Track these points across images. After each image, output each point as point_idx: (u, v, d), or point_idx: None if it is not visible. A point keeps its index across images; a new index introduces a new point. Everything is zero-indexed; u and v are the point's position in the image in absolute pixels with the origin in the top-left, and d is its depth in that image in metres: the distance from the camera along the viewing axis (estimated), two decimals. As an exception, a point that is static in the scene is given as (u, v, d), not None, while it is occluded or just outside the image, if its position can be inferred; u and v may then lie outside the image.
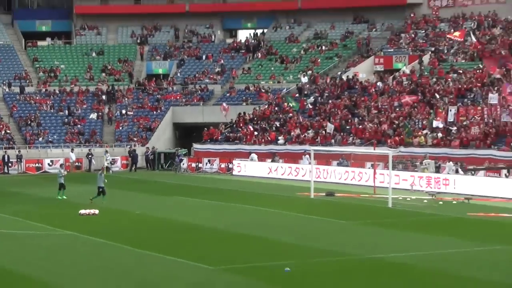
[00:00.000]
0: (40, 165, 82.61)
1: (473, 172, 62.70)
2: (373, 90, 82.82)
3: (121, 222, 48.35)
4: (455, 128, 69.17)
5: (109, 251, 39.12)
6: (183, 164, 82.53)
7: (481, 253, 38.70)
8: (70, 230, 44.64)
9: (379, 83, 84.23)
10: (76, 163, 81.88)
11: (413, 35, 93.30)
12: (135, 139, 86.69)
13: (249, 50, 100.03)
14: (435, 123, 70.71)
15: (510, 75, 73.68)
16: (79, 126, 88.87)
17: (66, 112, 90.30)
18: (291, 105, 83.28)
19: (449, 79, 79.04)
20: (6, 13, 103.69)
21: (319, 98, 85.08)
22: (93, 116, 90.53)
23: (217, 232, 44.56)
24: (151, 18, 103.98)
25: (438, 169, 64.62)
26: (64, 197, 58.34)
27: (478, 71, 78.24)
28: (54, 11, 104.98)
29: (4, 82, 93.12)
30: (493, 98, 69.24)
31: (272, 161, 75.26)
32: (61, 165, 69.39)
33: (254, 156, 77.00)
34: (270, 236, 42.93)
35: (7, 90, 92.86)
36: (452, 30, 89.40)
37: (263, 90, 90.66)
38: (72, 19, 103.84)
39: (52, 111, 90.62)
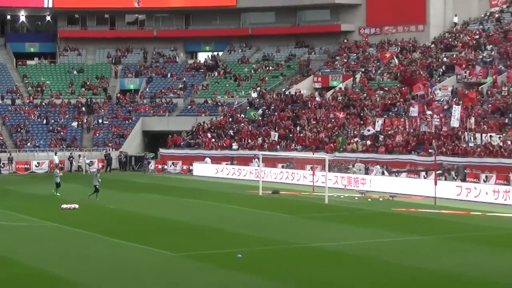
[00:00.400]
0: (28, 166, 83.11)
1: (396, 174, 63.59)
2: (312, 104, 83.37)
3: (98, 215, 48.70)
4: (381, 136, 69.87)
5: (86, 240, 39.48)
6: (151, 166, 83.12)
7: (404, 242, 39.44)
8: (53, 222, 45.05)
9: (317, 98, 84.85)
10: (59, 165, 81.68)
11: (346, 58, 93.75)
12: (109, 144, 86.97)
13: (208, 69, 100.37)
14: (366, 132, 71.41)
15: (427, 93, 74.50)
16: (62, 133, 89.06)
17: (44, 121, 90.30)
18: (252, 116, 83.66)
19: (377, 95, 79.80)
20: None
21: (267, 110, 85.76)
22: (74, 124, 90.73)
23: (180, 224, 45.02)
24: (124, 42, 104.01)
25: (367, 171, 65.34)
26: (58, 194, 58.31)
27: (402, 88, 78.90)
28: (41, 35, 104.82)
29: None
30: (413, 111, 70.11)
31: (231, 164, 75.56)
32: (57, 167, 70.59)
33: (208, 159, 78.20)
34: (225, 227, 43.49)
35: (0, 102, 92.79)
36: (381, 54, 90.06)
37: (220, 104, 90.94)
38: (57, 42, 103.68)
39: (39, 120, 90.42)
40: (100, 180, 56.91)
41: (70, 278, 29.80)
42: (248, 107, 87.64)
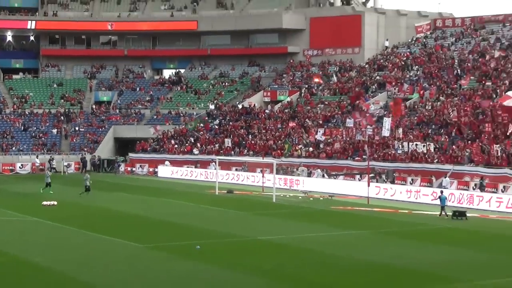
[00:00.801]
0: (13, 168, 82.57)
1: (335, 177, 63.74)
2: (263, 115, 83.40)
3: (74, 211, 48.60)
4: (322, 144, 69.99)
5: (63, 232, 39.70)
6: (121, 168, 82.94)
7: (340, 236, 39.72)
8: (35, 217, 45.07)
9: (267, 110, 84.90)
10: (40, 167, 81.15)
11: (291, 76, 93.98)
12: (85, 149, 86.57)
13: (172, 84, 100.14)
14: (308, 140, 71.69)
15: (361, 107, 74.78)
16: (43, 139, 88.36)
17: (22, 127, 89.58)
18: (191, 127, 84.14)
19: (318, 108, 79.93)
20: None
21: (223, 120, 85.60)
22: (54, 131, 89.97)
23: (146, 219, 45.02)
24: (98, 60, 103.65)
25: (309, 174, 65.54)
26: (51, 192, 57.95)
27: (340, 102, 79.20)
28: (25, 52, 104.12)
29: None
30: (349, 122, 70.37)
31: (195, 167, 75.51)
32: (48, 169, 72.25)
33: (167, 162, 78.57)
34: (185, 222, 43.76)
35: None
36: (322, 72, 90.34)
37: (181, 114, 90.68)
38: (39, 59, 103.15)
39: (22, 127, 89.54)
40: (90, 181, 57.28)
41: (48, 265, 29.97)
42: (206, 117, 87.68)
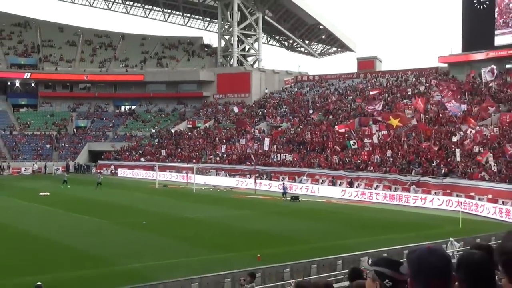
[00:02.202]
0: (19, 171, 79.32)
1: (234, 176, 63.79)
2: (187, 136, 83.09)
3: (61, 199, 47.71)
4: (225, 155, 70.07)
5: (53, 213, 39.20)
6: (93, 170, 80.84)
7: (238, 214, 39.64)
8: (33, 203, 44.31)
9: (189, 133, 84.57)
10: (38, 170, 78.91)
11: (205, 111, 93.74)
12: (68, 158, 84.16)
13: (127, 116, 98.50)
14: (219, 152, 71.54)
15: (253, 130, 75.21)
16: (40, 151, 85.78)
17: (26, 143, 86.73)
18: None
19: (223, 132, 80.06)
20: (2, 94, 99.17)
21: (161, 139, 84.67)
22: (48, 146, 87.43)
23: (110, 204, 44.38)
24: (78, 99, 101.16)
25: (218, 174, 65.43)
26: (68, 186, 57.57)
27: (237, 128, 79.47)
28: (29, 94, 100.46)
29: (1, 129, 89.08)
30: (242, 141, 70.69)
31: (153, 170, 74.23)
32: (63, 171, 72.12)
33: (112, 166, 77.86)
34: (135, 205, 43.27)
35: (3, 132, 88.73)
36: (225, 109, 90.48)
37: (133, 135, 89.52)
38: (38, 98, 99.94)
39: (26, 144, 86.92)
40: (101, 177, 58.77)
41: (40, 234, 29.96)
42: (150, 138, 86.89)
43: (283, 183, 53.05)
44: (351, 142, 57.99)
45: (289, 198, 48.44)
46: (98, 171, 75.17)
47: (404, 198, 45.73)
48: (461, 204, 39.57)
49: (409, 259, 3.15)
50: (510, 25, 68.46)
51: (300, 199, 48.05)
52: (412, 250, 3.19)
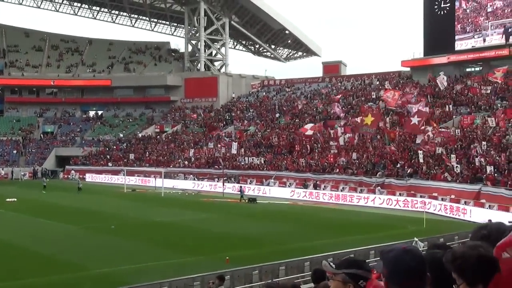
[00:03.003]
0: (-14, 177, 78.18)
1: (202, 179, 63.61)
2: (155, 140, 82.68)
3: (28, 204, 47.06)
4: (193, 159, 69.88)
5: (21, 219, 38.40)
6: (60, 175, 79.85)
7: (205, 217, 39.52)
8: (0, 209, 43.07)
9: (158, 137, 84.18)
10: (5, 176, 77.67)
11: (173, 116, 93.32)
12: (36, 163, 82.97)
13: (94, 121, 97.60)
14: (188, 155, 71.31)
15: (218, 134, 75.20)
16: (6, 157, 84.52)
17: None
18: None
19: (191, 136, 79.83)
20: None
21: (129, 143, 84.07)
22: (14, 152, 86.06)
23: (78, 209, 43.78)
24: (45, 104, 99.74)
25: (186, 178, 65.19)
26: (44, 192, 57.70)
27: (204, 133, 79.29)
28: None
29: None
30: (210, 145, 70.62)
31: (123, 175, 73.56)
32: (74, 176, 71.71)
33: (73, 172, 77.00)
34: (104, 210, 42.79)
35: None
36: (193, 113, 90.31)
37: (101, 140, 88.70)
38: (4, 104, 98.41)
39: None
40: (81, 183, 59.75)
41: (7, 240, 29.42)
42: (118, 142, 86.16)
43: (240, 186, 53.95)
44: (315, 145, 58.65)
45: (246, 200, 48.92)
46: (78, 176, 74.21)
47: (369, 199, 46.17)
48: (425, 204, 40.12)
49: (385, 260, 3.12)
50: (468, 30, 69.76)
51: (257, 201, 48.56)
52: (387, 250, 3.16)
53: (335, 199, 48.33)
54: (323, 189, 51.85)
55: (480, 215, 34.31)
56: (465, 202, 39.91)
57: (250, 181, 59.79)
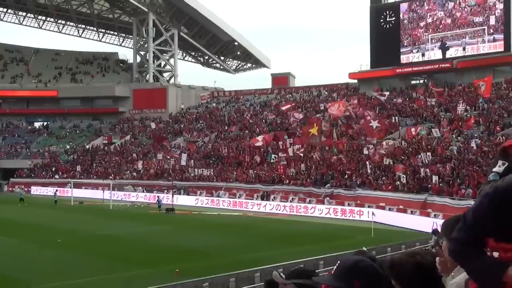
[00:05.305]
0: None
1: (151, 192, 62.77)
2: (101, 152, 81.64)
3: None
4: (142, 170, 69.14)
5: None
6: (5, 188, 77.81)
7: (154, 230, 39.07)
8: None
9: (106, 148, 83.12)
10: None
11: (121, 127, 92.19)
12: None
13: (40, 133, 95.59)
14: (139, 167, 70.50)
15: (166, 146, 74.62)
16: None
17: None
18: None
19: (140, 147, 79.09)
20: None
21: (76, 155, 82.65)
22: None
23: (24, 223, 42.62)
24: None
25: (135, 190, 64.32)
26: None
27: (153, 144, 78.58)
28: None
29: None
30: (159, 156, 69.97)
31: (71, 188, 71.94)
32: (19, 188, 68.66)
33: (17, 187, 74.36)
34: (51, 224, 41.91)
35: None
36: (141, 124, 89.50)
37: (46, 152, 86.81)
38: None
39: None
40: (23, 194, 59.98)
41: None
42: (64, 154, 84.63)
43: (157, 196, 55.10)
44: (273, 156, 58.80)
45: (164, 211, 49.87)
46: (18, 187, 72.22)
47: (317, 209, 46.58)
48: (372, 214, 40.69)
49: (356, 271, 2.91)
50: (411, 43, 71.46)
51: (175, 211, 49.59)
52: (352, 261, 2.97)
53: (285, 209, 48.58)
54: (273, 200, 52.07)
55: (426, 224, 34.99)
56: (411, 212, 40.66)
57: (200, 192, 59.55)
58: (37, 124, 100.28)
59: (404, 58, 71.45)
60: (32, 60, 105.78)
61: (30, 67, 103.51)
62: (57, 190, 63.71)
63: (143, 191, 63.37)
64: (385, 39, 72.25)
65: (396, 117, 60.68)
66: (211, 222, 43.18)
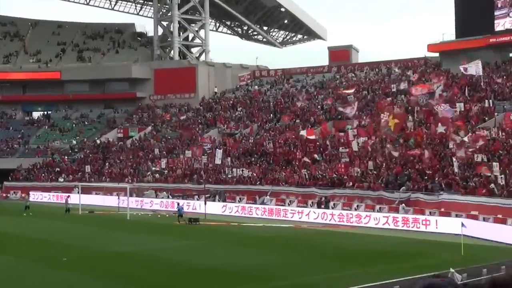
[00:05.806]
0: None
1: (178, 197, 63.42)
2: (115, 148, 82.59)
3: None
4: (166, 171, 69.69)
5: None
6: (-2, 194, 79.72)
7: (183, 245, 39.32)
8: None
9: (121, 144, 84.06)
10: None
11: (140, 116, 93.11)
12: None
13: (40, 125, 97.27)
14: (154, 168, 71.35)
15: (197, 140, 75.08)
16: None
17: None
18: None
19: (163, 142, 79.76)
20: None
21: (85, 153, 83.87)
22: None
23: (20, 236, 43.44)
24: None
25: (157, 195, 65.04)
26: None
27: (180, 138, 79.15)
28: None
29: None
30: (188, 153, 70.26)
31: (78, 193, 73.14)
32: (25, 196, 71.31)
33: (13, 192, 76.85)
34: (53, 238, 42.37)
35: None
36: (165, 113, 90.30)
37: (49, 148, 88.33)
38: None
39: None
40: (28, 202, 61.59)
41: None
42: (70, 151, 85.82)
43: (178, 203, 55.02)
44: (321, 155, 58.83)
45: (187, 222, 49.90)
46: (23, 194, 73.85)
47: (390, 219, 46.02)
48: (461, 225, 39.89)
49: None
50: (507, 4, 69.91)
51: (199, 222, 49.82)
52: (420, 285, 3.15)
53: (348, 220, 48.09)
54: (332, 208, 51.68)
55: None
56: (512, 222, 39.83)
57: (240, 198, 59.54)
58: (36, 114, 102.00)
59: (499, 24, 70.00)
60: (29, 35, 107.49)
61: (27, 43, 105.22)
62: (68, 196, 64.52)
63: (168, 197, 63.73)
64: (475, 2, 71.00)
65: (491, 100, 59.54)
66: (255, 235, 43.03)
